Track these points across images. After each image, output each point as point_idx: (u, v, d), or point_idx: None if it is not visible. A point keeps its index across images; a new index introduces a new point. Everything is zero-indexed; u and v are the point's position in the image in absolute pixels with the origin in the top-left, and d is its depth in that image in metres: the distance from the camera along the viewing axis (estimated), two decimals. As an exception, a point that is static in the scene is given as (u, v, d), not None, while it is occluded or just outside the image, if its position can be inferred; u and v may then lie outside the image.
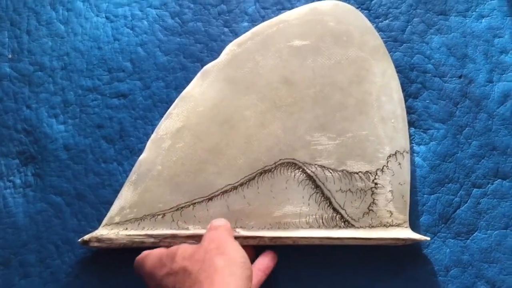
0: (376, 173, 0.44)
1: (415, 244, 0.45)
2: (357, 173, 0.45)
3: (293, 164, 0.45)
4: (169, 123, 0.46)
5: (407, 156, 0.45)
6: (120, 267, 0.45)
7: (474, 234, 0.45)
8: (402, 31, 0.50)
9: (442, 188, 0.46)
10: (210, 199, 0.44)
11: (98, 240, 0.43)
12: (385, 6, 0.50)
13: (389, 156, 0.45)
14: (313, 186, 0.44)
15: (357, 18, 0.47)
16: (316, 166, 0.44)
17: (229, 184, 0.44)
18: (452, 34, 0.49)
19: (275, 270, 0.44)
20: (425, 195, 0.46)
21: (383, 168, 0.45)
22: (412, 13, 0.50)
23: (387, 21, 0.50)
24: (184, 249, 0.37)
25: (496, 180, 0.46)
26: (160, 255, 0.38)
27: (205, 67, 0.47)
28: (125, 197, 0.44)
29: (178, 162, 0.45)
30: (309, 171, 0.44)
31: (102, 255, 0.46)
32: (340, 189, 0.44)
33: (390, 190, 0.44)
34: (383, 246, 0.44)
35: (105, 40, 0.51)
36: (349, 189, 0.44)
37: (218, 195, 0.44)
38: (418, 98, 0.48)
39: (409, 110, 0.48)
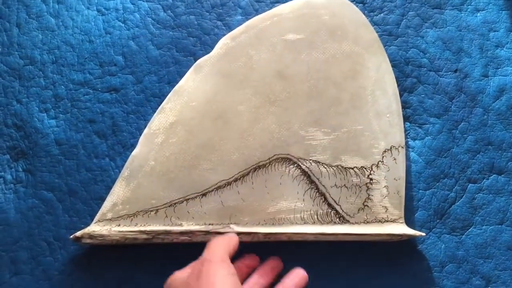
0: (371, 169, 0.44)
1: (410, 239, 0.45)
2: (352, 169, 0.44)
3: (287, 160, 0.44)
4: (162, 118, 0.45)
5: (403, 151, 0.44)
6: (112, 264, 0.44)
7: (469, 230, 0.45)
8: (397, 25, 0.49)
9: (438, 184, 0.46)
10: (204, 195, 0.44)
11: (90, 236, 0.42)
12: (380, 0, 0.50)
13: (384, 151, 0.44)
14: (308, 182, 0.44)
15: (352, 12, 0.47)
16: (310, 161, 0.44)
17: (223, 180, 0.44)
18: (447, 28, 0.49)
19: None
20: (420, 191, 0.46)
21: (378, 163, 0.44)
22: (407, 6, 0.49)
23: (382, 14, 0.49)
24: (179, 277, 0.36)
25: (492, 175, 0.46)
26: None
27: (198, 61, 0.46)
28: (118, 193, 0.44)
29: (172, 157, 0.44)
30: (303, 167, 0.44)
31: (94, 252, 0.45)
32: (335, 184, 0.44)
33: (385, 186, 0.44)
34: (378, 242, 0.44)
35: (97, 33, 0.50)
36: (344, 185, 0.44)
37: (212, 191, 0.44)
38: (413, 93, 0.48)
39: (404, 105, 0.47)
